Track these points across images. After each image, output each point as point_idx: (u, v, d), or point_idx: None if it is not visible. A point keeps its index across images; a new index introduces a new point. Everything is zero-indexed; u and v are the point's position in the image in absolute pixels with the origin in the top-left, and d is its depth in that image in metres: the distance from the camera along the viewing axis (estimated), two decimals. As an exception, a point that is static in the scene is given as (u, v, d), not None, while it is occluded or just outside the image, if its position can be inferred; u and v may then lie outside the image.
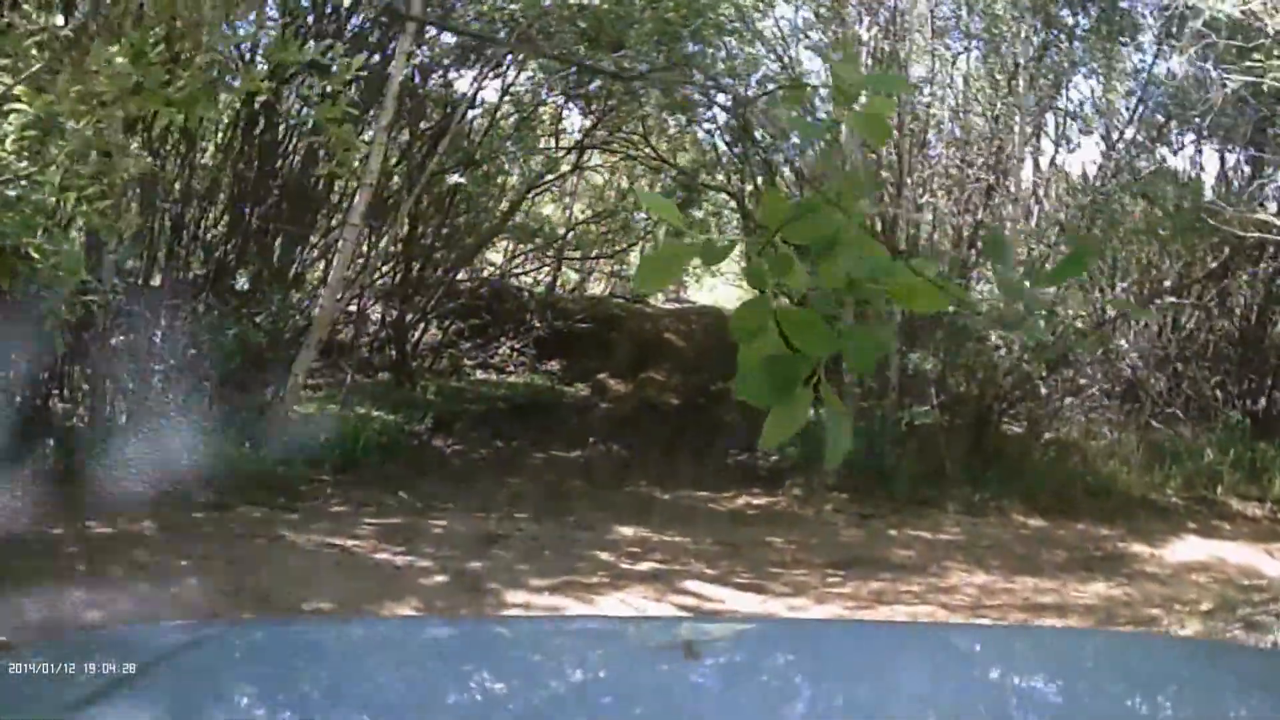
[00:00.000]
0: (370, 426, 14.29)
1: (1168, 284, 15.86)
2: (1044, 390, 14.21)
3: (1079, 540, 11.61)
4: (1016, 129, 15.22)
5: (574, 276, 25.98)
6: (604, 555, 9.35)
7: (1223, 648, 3.91)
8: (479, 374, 20.57)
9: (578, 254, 24.33)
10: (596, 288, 26.69)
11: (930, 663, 2.35)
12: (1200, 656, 2.64)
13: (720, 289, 30.02)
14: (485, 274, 22.43)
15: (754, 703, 1.96)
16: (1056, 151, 16.40)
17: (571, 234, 23.33)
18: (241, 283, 12.11)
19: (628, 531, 10.59)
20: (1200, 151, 16.15)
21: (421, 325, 20.14)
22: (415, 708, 1.97)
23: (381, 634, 2.70)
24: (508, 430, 16.59)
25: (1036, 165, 15.35)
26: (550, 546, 9.66)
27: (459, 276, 21.01)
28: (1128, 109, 15.67)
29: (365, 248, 17.99)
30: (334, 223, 14.86)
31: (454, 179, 18.57)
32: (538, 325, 21.25)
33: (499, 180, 21.08)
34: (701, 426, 17.61)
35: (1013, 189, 15.39)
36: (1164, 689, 2.16)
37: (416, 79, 15.89)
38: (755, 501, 12.79)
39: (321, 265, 14.95)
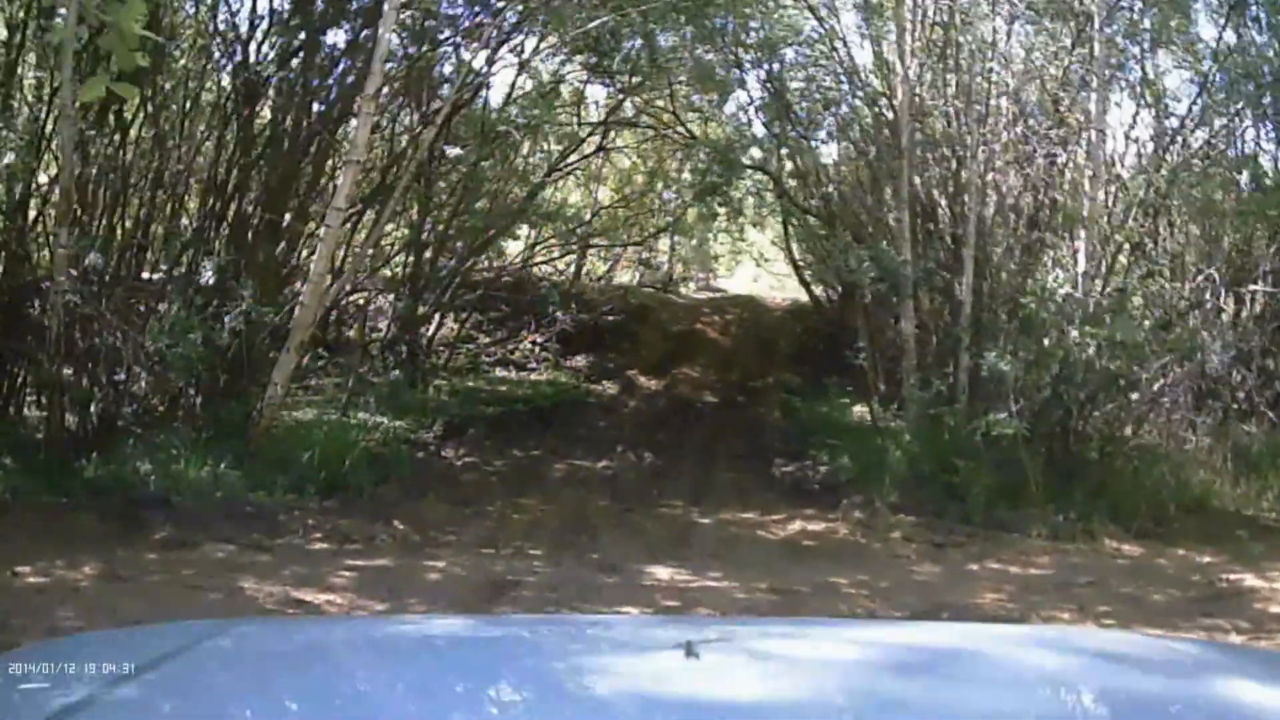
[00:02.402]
0: (368, 438, 12.39)
1: (1265, 268, 13.71)
2: (1128, 391, 12.05)
3: (1183, 570, 9.66)
4: (1093, 97, 13.03)
5: (600, 266, 23.96)
6: (633, 609, 7.31)
7: (1223, 648, 3.64)
8: (498, 371, 18.69)
9: (603, 241, 22.15)
10: (624, 276, 24.70)
11: (933, 663, 2.27)
12: (1200, 656, 2.59)
13: (749, 275, 28.28)
14: (504, 263, 20.29)
15: (754, 703, 1.90)
16: (1134, 125, 14.35)
17: (596, 219, 21.22)
18: (207, 277, 10.10)
19: (662, 574, 8.59)
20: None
21: (436, 319, 18.25)
22: (414, 707, 1.92)
23: (382, 633, 2.60)
24: (526, 437, 14.67)
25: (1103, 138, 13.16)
26: (569, 597, 7.65)
27: (476, 266, 19.12)
28: (1201, 82, 13.52)
29: (366, 235, 16.29)
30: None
31: (467, 160, 16.95)
32: (561, 318, 19.20)
33: (517, 162, 19.18)
34: (741, 429, 15.74)
35: (1083, 162, 13.25)
36: (1165, 689, 2.12)
37: (421, 50, 13.85)
38: (811, 527, 10.76)
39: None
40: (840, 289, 18.76)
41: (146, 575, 7.86)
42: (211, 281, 10.21)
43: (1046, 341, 11.69)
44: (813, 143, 17.12)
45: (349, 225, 14.62)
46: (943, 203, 13.86)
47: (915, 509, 11.07)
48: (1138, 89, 14.11)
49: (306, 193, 12.28)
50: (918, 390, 12.44)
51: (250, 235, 11.51)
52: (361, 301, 17.77)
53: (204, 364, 9.92)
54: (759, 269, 28.27)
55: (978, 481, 11.08)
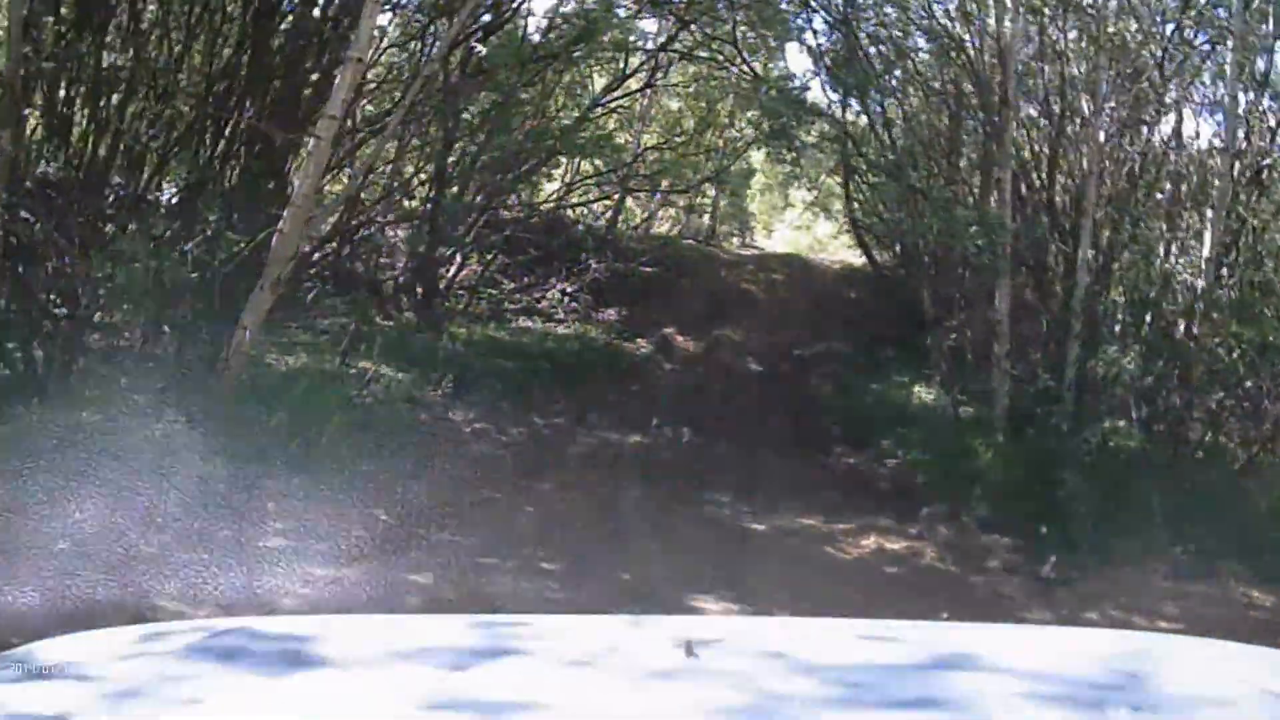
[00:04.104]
0: (362, 394, 10.28)
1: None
2: (1264, 401, 9.75)
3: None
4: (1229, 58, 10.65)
5: (639, 213, 21.69)
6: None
7: (1223, 647, 2.76)
8: (522, 321, 16.51)
9: (646, 187, 19.81)
10: (663, 227, 22.46)
11: (934, 662, 2.17)
12: (1201, 655, 2.45)
13: (784, 238, 26.34)
14: (536, 203, 18.43)
15: (754, 703, 1.86)
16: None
17: (640, 161, 18.89)
18: (168, 195, 7.92)
19: (713, 609, 6.43)
20: None
21: (457, 260, 16.10)
22: (412, 707, 1.86)
23: (380, 632, 2.54)
24: (548, 400, 12.55)
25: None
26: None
27: (505, 203, 16.98)
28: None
29: (372, 156, 14.16)
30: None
31: (503, 84, 14.77)
32: (595, 266, 17.06)
33: (558, 93, 16.95)
34: (792, 405, 13.60)
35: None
36: (1166, 688, 2.06)
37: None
38: (889, 545, 8.57)
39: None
40: (903, 253, 16.55)
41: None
42: (175, 202, 7.98)
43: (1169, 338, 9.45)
44: (885, 93, 14.73)
45: (360, 147, 12.66)
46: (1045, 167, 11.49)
47: (1009, 528, 8.90)
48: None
49: (309, 103, 9.96)
50: (1010, 382, 10.19)
51: (236, 150, 9.27)
52: (377, 235, 15.63)
53: (154, 299, 7.73)
54: (798, 231, 26.32)
55: (1087, 501, 8.86)
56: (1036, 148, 11.82)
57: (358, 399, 10.77)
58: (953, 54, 12.30)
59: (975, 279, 11.83)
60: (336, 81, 8.16)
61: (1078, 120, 11.34)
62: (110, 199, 8.57)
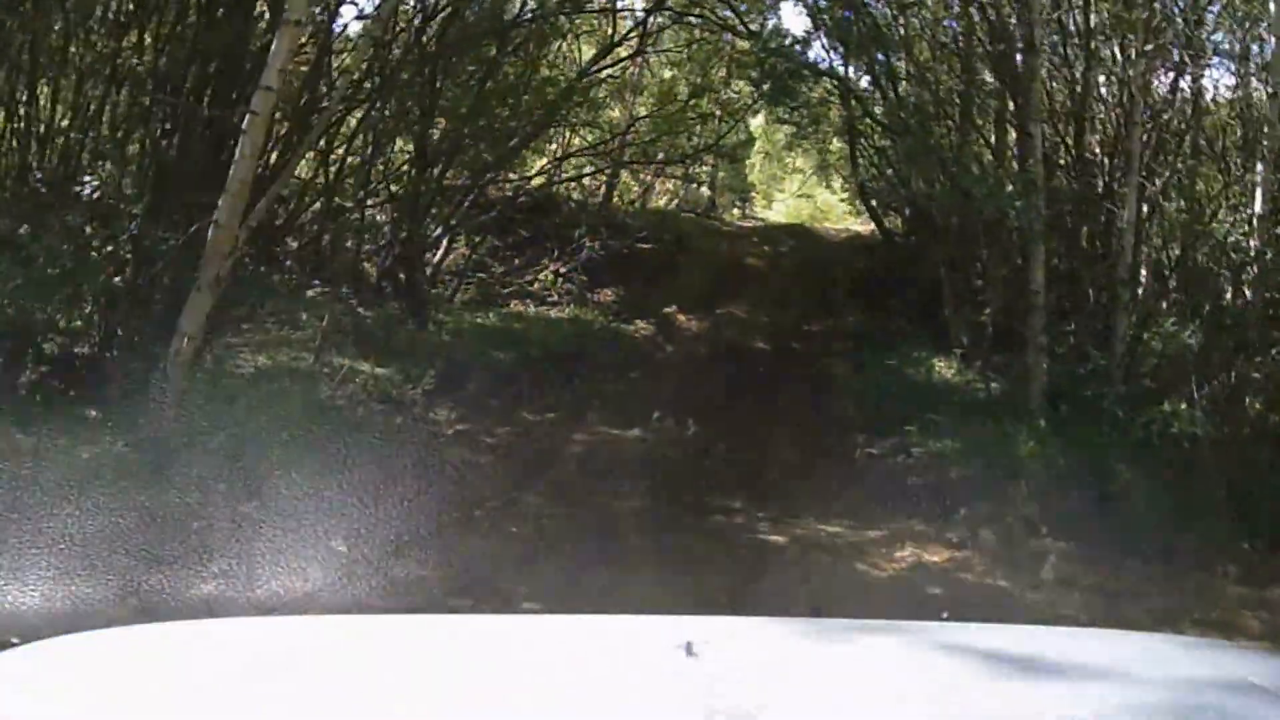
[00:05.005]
0: (331, 397, 9.18)
1: None
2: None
3: None
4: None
5: (634, 187, 20.49)
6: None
7: (1223, 647, 3.26)
8: (514, 305, 15.40)
9: (640, 159, 18.62)
10: (661, 201, 21.26)
11: (934, 662, 2.16)
12: (1200, 655, 2.54)
13: (784, 205, 25.26)
14: (525, 180, 17.25)
15: (754, 703, 1.80)
16: None
17: (633, 133, 17.70)
18: (90, 188, 6.77)
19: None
20: None
21: (445, 243, 14.97)
22: (411, 707, 1.82)
23: (378, 632, 2.43)
24: (540, 393, 11.42)
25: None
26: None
27: (492, 181, 15.83)
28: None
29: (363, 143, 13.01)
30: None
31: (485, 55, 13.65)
32: (589, 244, 15.91)
33: (544, 64, 15.76)
34: (804, 387, 12.48)
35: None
36: (1165, 688, 2.02)
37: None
38: (928, 556, 7.42)
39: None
40: (915, 219, 15.41)
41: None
42: (95, 196, 6.83)
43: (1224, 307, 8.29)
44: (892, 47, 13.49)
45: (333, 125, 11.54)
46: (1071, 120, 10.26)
47: (1061, 530, 7.76)
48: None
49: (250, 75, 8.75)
50: (1047, 359, 9.02)
51: (165, 132, 8.09)
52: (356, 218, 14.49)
53: (63, 304, 6.59)
54: (799, 200, 25.25)
55: (1146, 495, 7.73)
56: (1061, 98, 10.60)
57: (329, 401, 9.73)
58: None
59: (995, 244, 10.65)
60: (273, 48, 6.97)
61: (1103, 70, 10.15)
62: (26, 192, 7.40)
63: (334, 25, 11.52)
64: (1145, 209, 8.89)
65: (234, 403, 8.17)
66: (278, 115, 7.70)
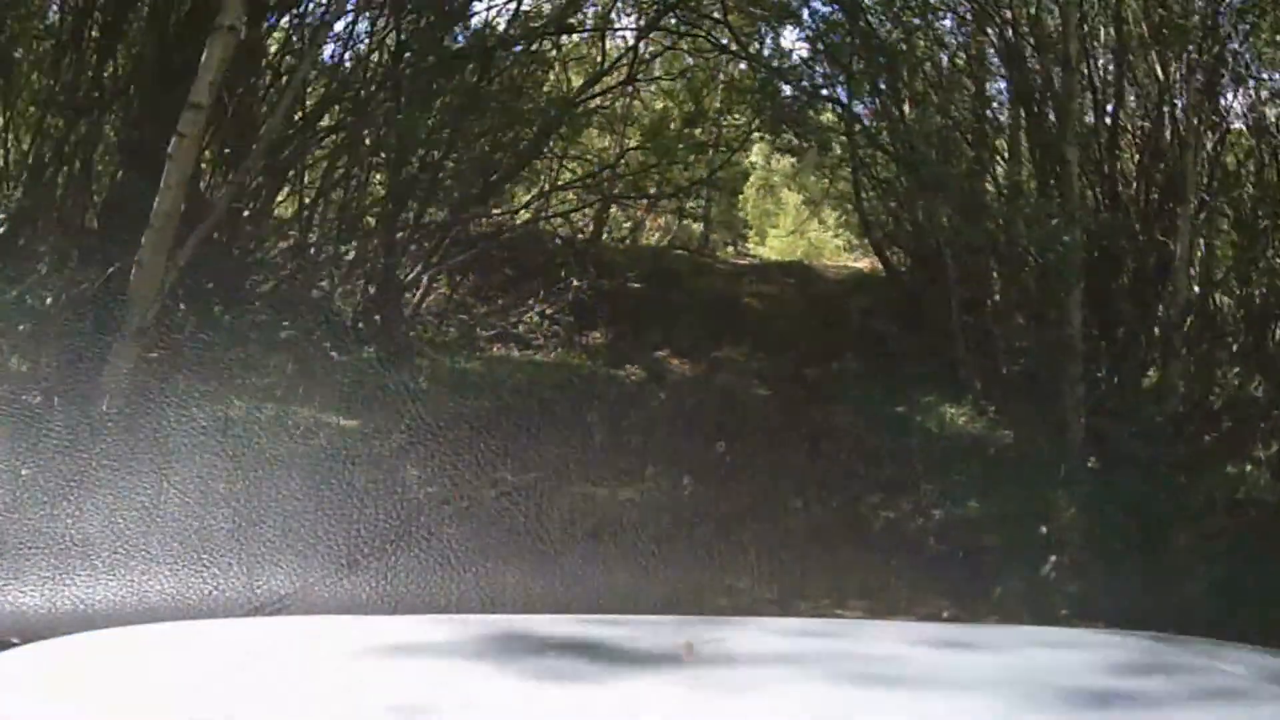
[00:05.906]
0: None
1: None
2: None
3: None
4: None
5: (624, 222, 19.54)
6: None
7: (1223, 647, 2.72)
8: (497, 349, 14.52)
9: (631, 193, 17.74)
10: (653, 237, 20.38)
11: (935, 663, 2.16)
12: (1200, 655, 2.46)
13: (779, 244, 24.48)
14: (509, 215, 16.57)
15: (754, 703, 1.82)
16: None
17: (624, 165, 16.81)
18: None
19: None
20: None
21: (424, 282, 14.06)
22: (409, 706, 1.77)
23: (378, 632, 2.45)
24: (522, 445, 10.30)
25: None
26: None
27: (477, 216, 14.98)
28: None
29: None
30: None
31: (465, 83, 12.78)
32: (577, 284, 14.96)
33: (529, 90, 14.90)
34: (807, 438, 11.49)
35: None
36: (1165, 688, 2.04)
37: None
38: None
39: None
40: (919, 255, 14.54)
41: None
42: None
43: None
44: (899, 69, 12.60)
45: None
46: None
47: (1099, 605, 6.74)
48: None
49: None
50: (1085, 411, 7.99)
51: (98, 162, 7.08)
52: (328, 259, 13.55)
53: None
54: (791, 237, 24.52)
55: (1211, 573, 6.70)
56: (1091, 119, 9.67)
57: (285, 457, 8.74)
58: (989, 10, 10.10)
59: (1013, 281, 9.67)
60: (203, 59, 5.97)
61: (1137, 88, 9.20)
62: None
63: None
64: (1201, 243, 7.90)
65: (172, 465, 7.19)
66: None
